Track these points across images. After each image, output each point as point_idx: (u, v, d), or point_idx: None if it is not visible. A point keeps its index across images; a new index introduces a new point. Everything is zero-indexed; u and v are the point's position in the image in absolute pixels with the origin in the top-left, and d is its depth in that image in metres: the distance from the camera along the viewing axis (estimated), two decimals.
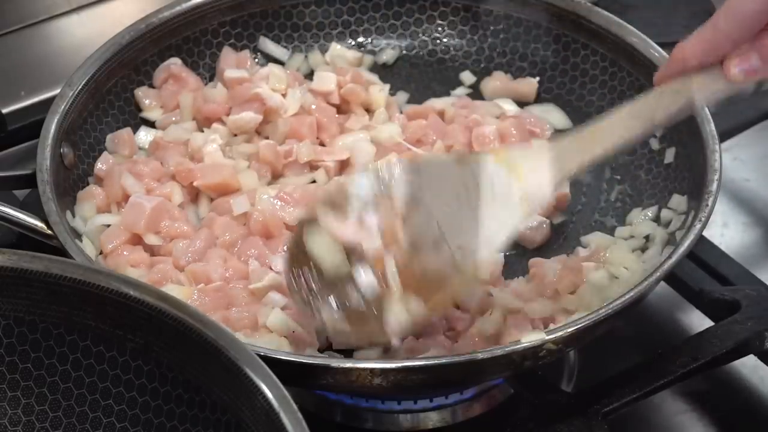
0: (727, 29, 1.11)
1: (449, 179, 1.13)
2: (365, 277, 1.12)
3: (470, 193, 1.11)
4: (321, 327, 1.17)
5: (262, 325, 1.23)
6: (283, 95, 1.49)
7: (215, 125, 1.47)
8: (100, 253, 1.33)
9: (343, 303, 1.13)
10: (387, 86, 1.54)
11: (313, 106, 1.49)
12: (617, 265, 1.30)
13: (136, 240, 1.33)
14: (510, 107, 1.52)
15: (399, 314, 1.12)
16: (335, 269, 1.13)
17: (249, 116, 1.45)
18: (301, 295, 1.16)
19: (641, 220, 1.37)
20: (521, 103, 1.54)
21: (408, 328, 1.14)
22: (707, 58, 1.12)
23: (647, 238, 1.35)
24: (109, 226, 1.34)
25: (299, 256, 1.15)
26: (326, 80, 1.51)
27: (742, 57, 1.12)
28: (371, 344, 1.20)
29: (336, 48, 1.58)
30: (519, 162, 1.14)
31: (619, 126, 1.16)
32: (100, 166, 1.41)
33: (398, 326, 1.12)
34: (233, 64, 1.53)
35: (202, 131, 1.47)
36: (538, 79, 1.54)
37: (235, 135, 1.46)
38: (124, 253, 1.31)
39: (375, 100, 1.51)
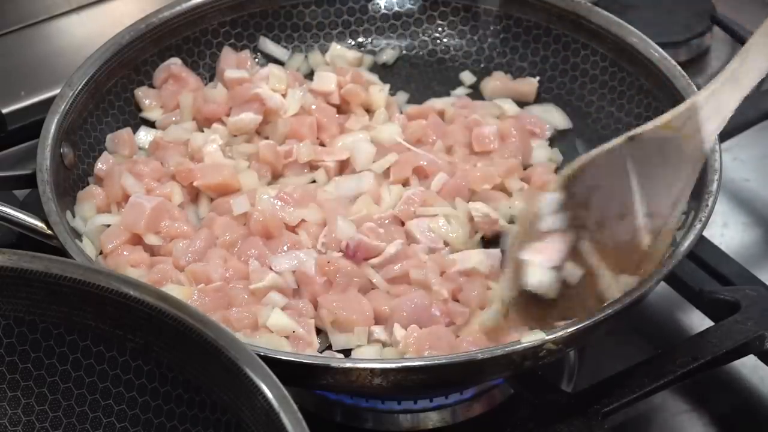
0: None
1: (615, 164, 1.18)
2: (570, 270, 1.19)
3: (645, 166, 1.18)
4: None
5: (262, 325, 1.23)
6: (283, 95, 1.49)
7: (215, 125, 1.47)
8: (100, 253, 1.33)
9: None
10: (387, 86, 1.54)
11: (313, 107, 1.49)
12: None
13: (136, 240, 1.33)
14: (510, 107, 1.51)
15: (610, 290, 1.19)
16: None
17: (249, 117, 1.45)
18: None
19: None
20: (521, 103, 1.53)
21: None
22: None
23: None
24: (109, 226, 1.34)
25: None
26: (326, 80, 1.51)
27: None
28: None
29: (336, 48, 1.58)
30: (681, 123, 1.18)
31: (759, 53, 1.16)
32: (100, 166, 1.41)
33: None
34: (233, 64, 1.53)
35: (202, 131, 1.47)
36: (538, 79, 1.54)
37: (235, 135, 1.46)
38: (124, 253, 1.31)
39: (375, 100, 1.51)
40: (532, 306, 1.19)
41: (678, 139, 1.19)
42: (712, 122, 1.19)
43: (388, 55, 1.60)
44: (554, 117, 1.52)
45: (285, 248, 1.32)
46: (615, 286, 1.19)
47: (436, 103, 1.53)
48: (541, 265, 1.18)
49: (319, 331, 1.27)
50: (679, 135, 1.19)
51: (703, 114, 1.19)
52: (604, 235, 1.18)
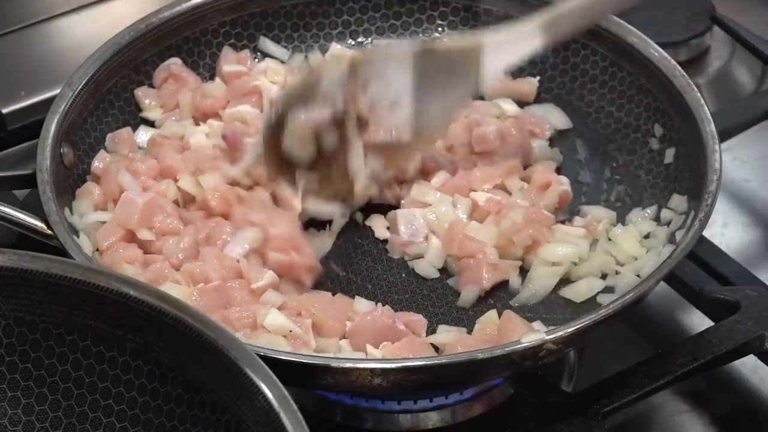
0: None
1: (410, 64, 1.34)
2: (329, 137, 1.34)
3: (432, 75, 1.34)
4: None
5: (260, 324, 1.23)
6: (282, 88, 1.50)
7: (210, 120, 1.47)
8: (96, 249, 1.33)
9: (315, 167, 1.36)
10: None
11: None
12: (623, 251, 1.32)
13: (131, 237, 1.33)
14: (510, 107, 1.51)
15: (360, 169, 1.36)
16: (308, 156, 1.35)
17: (246, 109, 1.45)
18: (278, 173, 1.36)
19: (641, 219, 1.37)
20: (521, 103, 1.53)
21: (369, 184, 1.38)
22: None
23: (647, 236, 1.34)
24: (105, 223, 1.34)
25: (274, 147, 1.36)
26: None
27: None
28: (337, 200, 1.38)
29: (336, 48, 1.58)
30: (474, 46, 1.35)
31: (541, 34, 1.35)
32: (97, 164, 1.41)
33: (360, 180, 1.36)
34: (233, 63, 1.53)
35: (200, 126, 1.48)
36: (538, 78, 1.54)
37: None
38: (120, 250, 1.31)
39: None
40: (284, 164, 1.35)
41: (461, 63, 1.35)
42: (490, 65, 1.35)
43: None
44: (554, 117, 1.52)
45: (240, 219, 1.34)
46: (366, 173, 1.36)
47: None
48: (302, 121, 1.32)
49: None
50: (463, 60, 1.35)
51: (485, 53, 1.35)
52: (371, 119, 1.33)
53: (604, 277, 1.32)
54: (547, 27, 1.33)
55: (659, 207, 1.37)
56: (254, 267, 1.30)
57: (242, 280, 1.29)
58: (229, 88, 1.49)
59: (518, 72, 1.55)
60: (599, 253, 1.33)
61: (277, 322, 1.22)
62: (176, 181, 1.38)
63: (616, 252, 1.33)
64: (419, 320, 1.27)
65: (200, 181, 1.37)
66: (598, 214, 1.39)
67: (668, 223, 1.34)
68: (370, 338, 1.23)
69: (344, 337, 1.26)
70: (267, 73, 1.51)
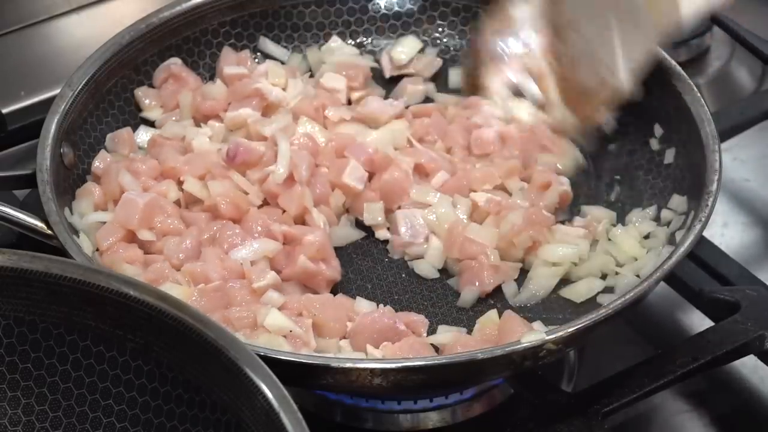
0: None
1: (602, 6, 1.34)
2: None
3: (618, 21, 1.34)
4: None
5: (260, 324, 1.23)
6: (283, 89, 1.50)
7: (211, 122, 1.47)
8: (96, 249, 1.33)
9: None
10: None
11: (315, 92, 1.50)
12: (623, 251, 1.32)
13: (131, 237, 1.33)
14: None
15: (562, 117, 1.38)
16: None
17: (246, 112, 1.45)
18: None
19: (641, 219, 1.37)
20: None
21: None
22: None
23: (647, 237, 1.35)
24: (105, 223, 1.34)
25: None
26: (336, 80, 1.51)
27: None
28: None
29: (331, 46, 1.58)
30: None
31: None
32: (98, 164, 1.41)
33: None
34: (233, 64, 1.53)
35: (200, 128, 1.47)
36: None
37: (232, 131, 1.46)
38: (120, 250, 1.31)
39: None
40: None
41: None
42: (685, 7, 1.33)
43: None
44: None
45: (259, 228, 1.33)
46: (564, 119, 1.38)
47: (442, 98, 1.54)
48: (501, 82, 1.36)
49: None
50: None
51: None
52: (572, 72, 1.35)
53: (604, 277, 1.32)
54: None
55: (659, 207, 1.37)
56: (255, 267, 1.30)
57: (243, 280, 1.29)
58: (231, 89, 1.49)
59: None
60: (599, 253, 1.33)
61: (277, 322, 1.22)
62: (180, 182, 1.38)
63: (616, 252, 1.33)
64: (420, 320, 1.27)
65: (209, 186, 1.36)
66: (598, 215, 1.39)
67: (668, 223, 1.34)
68: (371, 338, 1.23)
69: (345, 338, 1.26)
70: (268, 75, 1.51)
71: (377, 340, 1.23)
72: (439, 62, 1.58)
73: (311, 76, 1.56)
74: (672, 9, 1.31)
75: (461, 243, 1.33)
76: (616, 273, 1.31)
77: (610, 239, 1.35)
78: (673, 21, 1.33)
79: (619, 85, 1.34)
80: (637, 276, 1.29)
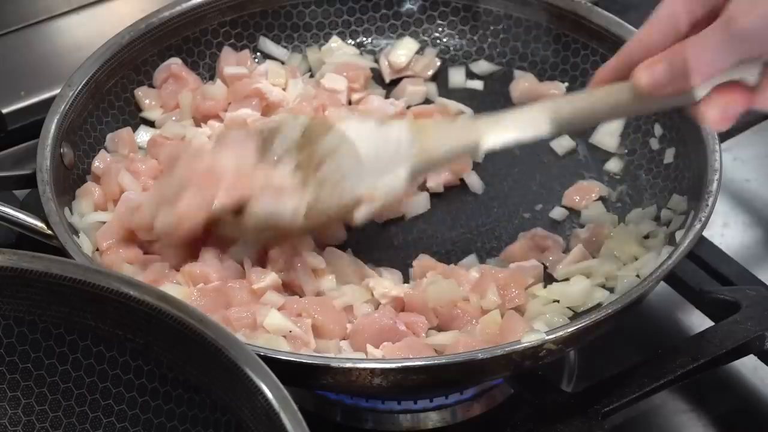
0: (641, 35, 1.13)
1: (367, 138, 1.28)
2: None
3: (382, 150, 1.27)
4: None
5: (260, 324, 1.23)
6: (283, 89, 1.50)
7: (211, 122, 1.47)
8: (96, 249, 1.33)
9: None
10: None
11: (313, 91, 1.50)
12: (623, 251, 1.32)
13: (131, 237, 1.33)
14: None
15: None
16: None
17: (246, 113, 1.45)
18: None
19: (641, 219, 1.37)
20: None
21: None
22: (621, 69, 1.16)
23: (647, 236, 1.34)
24: (105, 223, 1.34)
25: None
26: (337, 81, 1.51)
27: (649, 65, 1.12)
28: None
29: (332, 46, 1.58)
30: (427, 134, 1.28)
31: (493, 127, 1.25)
32: (98, 164, 1.41)
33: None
34: (233, 64, 1.53)
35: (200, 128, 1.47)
36: (566, 85, 1.53)
37: None
38: (120, 250, 1.31)
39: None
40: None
41: (411, 137, 1.27)
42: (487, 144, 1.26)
43: None
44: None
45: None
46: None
47: (440, 101, 1.54)
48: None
49: None
50: (413, 134, 1.27)
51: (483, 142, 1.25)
52: (319, 190, 1.28)
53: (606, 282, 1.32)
54: (554, 117, 1.22)
55: (659, 207, 1.37)
56: (255, 269, 1.30)
57: (243, 280, 1.29)
58: (231, 89, 1.49)
59: (518, 72, 1.55)
60: (604, 260, 1.32)
61: (277, 322, 1.22)
62: None
63: (618, 252, 1.32)
64: (420, 321, 1.27)
65: None
66: (599, 219, 1.38)
67: (668, 223, 1.34)
68: (371, 339, 1.23)
69: (345, 339, 1.25)
70: (268, 75, 1.51)
71: (377, 340, 1.23)
72: (438, 63, 1.58)
73: (311, 76, 1.56)
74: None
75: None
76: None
77: (611, 236, 1.34)
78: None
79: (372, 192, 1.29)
80: (637, 276, 1.29)
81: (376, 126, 1.30)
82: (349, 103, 1.52)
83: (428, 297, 1.27)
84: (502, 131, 1.24)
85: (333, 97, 1.50)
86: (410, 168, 1.26)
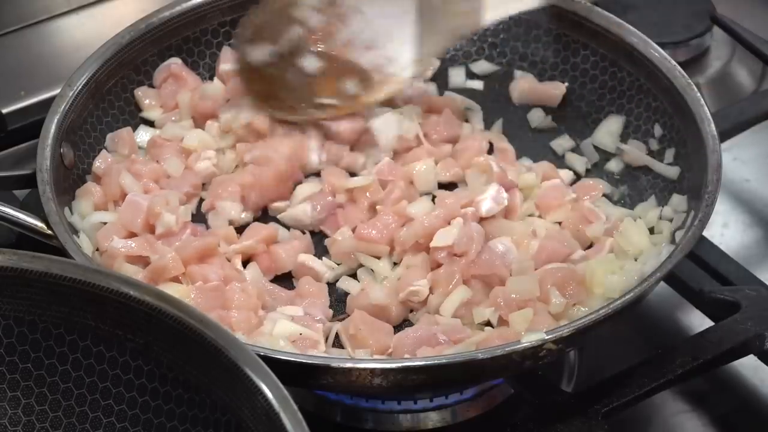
0: None
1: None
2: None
3: (410, 16, 1.33)
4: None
5: (268, 333, 1.23)
6: None
7: (210, 122, 1.47)
8: (96, 249, 1.33)
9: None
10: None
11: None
12: (632, 244, 1.31)
13: (133, 238, 1.33)
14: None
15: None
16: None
17: (244, 117, 1.45)
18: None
19: (647, 211, 1.37)
20: (546, 109, 1.52)
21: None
22: None
23: (652, 231, 1.34)
24: (105, 223, 1.34)
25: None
26: None
27: None
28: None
29: None
30: None
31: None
32: (99, 164, 1.41)
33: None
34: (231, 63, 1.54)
35: (202, 128, 1.47)
36: (567, 85, 1.53)
37: (226, 132, 1.46)
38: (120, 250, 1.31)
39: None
40: (257, 81, 1.37)
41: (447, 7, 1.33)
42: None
43: None
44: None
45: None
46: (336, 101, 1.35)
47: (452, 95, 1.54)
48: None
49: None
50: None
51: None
52: (345, 52, 1.34)
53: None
54: None
55: (659, 207, 1.37)
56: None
57: (243, 282, 1.29)
58: (231, 88, 1.49)
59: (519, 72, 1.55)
60: (619, 254, 1.32)
61: (286, 329, 1.23)
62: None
63: (627, 246, 1.32)
64: (464, 335, 1.24)
65: None
66: (614, 213, 1.38)
67: (670, 220, 1.34)
68: (412, 350, 1.23)
69: (388, 353, 1.25)
70: None
71: (417, 349, 1.23)
72: (438, 62, 1.58)
73: None
74: (474, 17, 1.31)
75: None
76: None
77: (620, 231, 1.34)
78: (473, 25, 1.33)
79: (396, 74, 1.32)
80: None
81: None
82: None
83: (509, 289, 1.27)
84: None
85: None
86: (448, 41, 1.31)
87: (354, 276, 1.35)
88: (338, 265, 1.36)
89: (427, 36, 1.32)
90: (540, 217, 1.39)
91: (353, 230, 1.35)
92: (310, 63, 1.36)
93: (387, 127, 1.44)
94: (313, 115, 1.34)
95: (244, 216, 1.40)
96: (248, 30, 1.39)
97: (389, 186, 1.39)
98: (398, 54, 1.32)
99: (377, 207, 1.37)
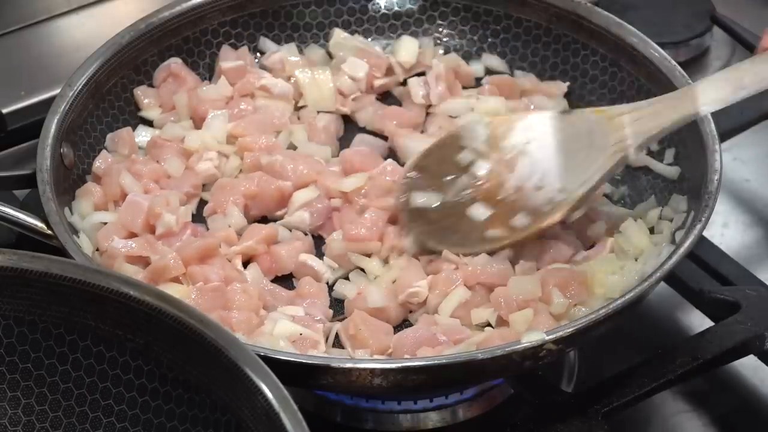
0: None
1: (553, 132, 1.32)
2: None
3: (572, 143, 1.31)
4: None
5: (269, 333, 1.23)
6: (289, 79, 1.52)
7: (218, 125, 1.48)
8: (96, 249, 1.33)
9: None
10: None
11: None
12: (633, 244, 1.31)
13: (133, 238, 1.33)
14: None
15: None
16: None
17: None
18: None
19: (647, 211, 1.37)
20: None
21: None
22: None
23: (652, 231, 1.34)
24: (106, 223, 1.34)
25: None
26: (357, 66, 1.52)
27: None
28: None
29: (340, 35, 1.58)
30: (617, 114, 1.30)
31: (711, 88, 1.27)
32: (99, 164, 1.41)
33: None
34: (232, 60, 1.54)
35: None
36: (567, 84, 1.53)
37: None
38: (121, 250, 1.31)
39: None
40: (422, 221, 1.33)
41: (604, 127, 1.30)
42: (633, 131, 1.29)
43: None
44: None
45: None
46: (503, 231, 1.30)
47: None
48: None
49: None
50: (606, 124, 1.30)
51: (625, 122, 1.29)
52: (516, 197, 1.31)
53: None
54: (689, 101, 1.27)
55: (660, 207, 1.37)
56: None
57: (243, 283, 1.29)
58: (236, 88, 1.50)
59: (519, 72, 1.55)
60: (620, 254, 1.32)
61: (286, 329, 1.22)
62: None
63: (627, 246, 1.32)
64: (464, 336, 1.24)
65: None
66: (613, 213, 1.38)
67: (670, 220, 1.34)
68: (412, 350, 1.23)
69: (388, 353, 1.25)
70: (283, 63, 1.53)
71: (416, 349, 1.23)
72: None
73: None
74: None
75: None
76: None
77: (620, 231, 1.34)
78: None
79: (568, 199, 1.29)
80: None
81: (559, 117, 1.32)
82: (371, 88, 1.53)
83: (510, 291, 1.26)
84: (720, 89, 1.26)
85: (350, 83, 1.51)
86: (613, 158, 1.28)
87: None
88: (338, 266, 1.36)
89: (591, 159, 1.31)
90: None
91: None
92: (478, 212, 1.32)
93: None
94: (483, 248, 1.30)
95: (244, 223, 1.39)
96: (415, 174, 1.36)
97: (371, 181, 1.39)
98: (569, 183, 1.30)
99: (361, 202, 1.37)
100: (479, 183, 1.32)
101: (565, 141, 1.31)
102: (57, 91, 1.40)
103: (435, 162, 1.36)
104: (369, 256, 1.34)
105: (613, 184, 1.44)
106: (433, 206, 1.33)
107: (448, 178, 1.34)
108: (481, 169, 1.32)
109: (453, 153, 1.35)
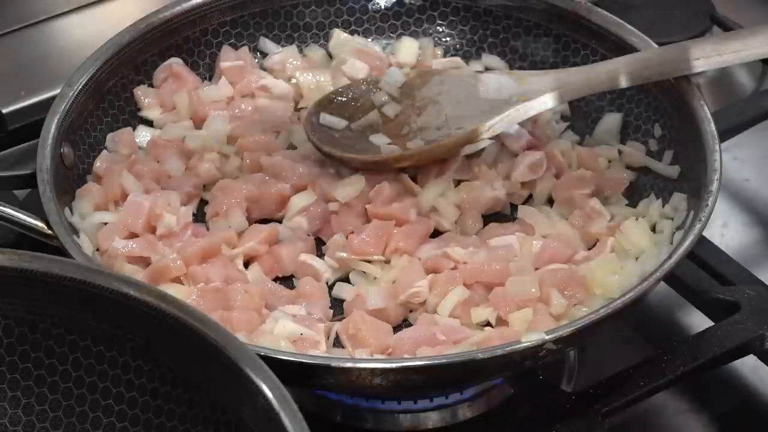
0: None
1: (465, 86, 1.43)
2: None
3: (476, 91, 1.42)
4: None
5: (270, 333, 1.23)
6: (290, 79, 1.52)
7: (220, 126, 1.48)
8: (97, 249, 1.33)
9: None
10: None
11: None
12: (634, 243, 1.31)
13: (134, 238, 1.33)
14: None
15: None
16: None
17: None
18: None
19: (650, 208, 1.37)
20: None
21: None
22: None
23: (654, 229, 1.34)
24: (106, 224, 1.34)
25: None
26: (358, 67, 1.51)
27: None
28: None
29: (341, 36, 1.58)
30: (526, 74, 1.42)
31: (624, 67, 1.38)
32: (99, 164, 1.41)
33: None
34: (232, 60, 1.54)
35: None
36: None
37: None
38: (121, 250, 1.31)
39: None
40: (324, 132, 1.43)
41: (514, 83, 1.41)
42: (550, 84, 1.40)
43: None
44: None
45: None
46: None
47: None
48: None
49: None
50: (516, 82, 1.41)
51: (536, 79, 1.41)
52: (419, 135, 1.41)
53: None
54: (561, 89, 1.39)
55: (661, 204, 1.37)
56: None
57: (245, 283, 1.29)
58: (237, 89, 1.50)
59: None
60: (620, 254, 1.32)
61: (287, 329, 1.22)
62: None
63: (628, 245, 1.32)
64: (463, 335, 1.24)
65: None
66: (614, 212, 1.38)
67: (671, 219, 1.34)
68: (412, 349, 1.23)
69: (388, 352, 1.25)
70: (284, 63, 1.54)
71: (416, 348, 1.23)
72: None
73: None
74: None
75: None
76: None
77: (621, 231, 1.34)
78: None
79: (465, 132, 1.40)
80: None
81: (474, 76, 1.45)
82: None
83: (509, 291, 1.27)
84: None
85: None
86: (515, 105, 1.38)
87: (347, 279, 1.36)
88: (338, 266, 1.36)
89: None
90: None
91: (347, 236, 1.35)
92: (380, 140, 1.42)
93: None
94: (378, 159, 1.40)
95: (246, 225, 1.39)
96: (327, 101, 1.46)
97: (377, 186, 1.38)
98: (468, 125, 1.39)
99: (367, 207, 1.37)
100: (386, 121, 1.44)
101: (473, 95, 1.41)
102: (57, 91, 1.40)
103: (351, 95, 1.47)
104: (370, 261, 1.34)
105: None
106: (339, 128, 1.44)
107: (359, 111, 1.45)
108: (391, 110, 1.44)
109: (369, 91, 1.46)
